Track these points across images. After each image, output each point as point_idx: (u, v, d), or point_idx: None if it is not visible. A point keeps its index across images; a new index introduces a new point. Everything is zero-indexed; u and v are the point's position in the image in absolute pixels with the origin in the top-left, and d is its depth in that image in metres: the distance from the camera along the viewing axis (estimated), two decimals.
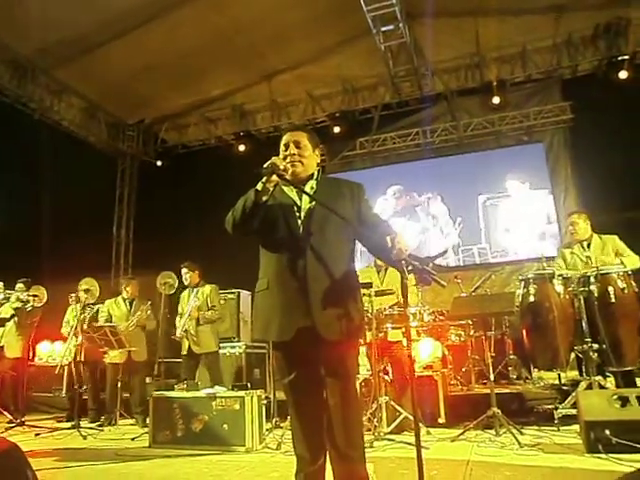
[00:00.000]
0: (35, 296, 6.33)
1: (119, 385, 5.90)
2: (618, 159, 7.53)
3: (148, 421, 4.76)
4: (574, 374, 5.08)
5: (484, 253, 9.34)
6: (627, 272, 4.36)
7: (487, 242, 9.36)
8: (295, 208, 2.39)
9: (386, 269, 4.95)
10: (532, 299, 4.53)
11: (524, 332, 4.65)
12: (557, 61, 8.87)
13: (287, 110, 10.34)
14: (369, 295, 4.45)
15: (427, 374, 4.85)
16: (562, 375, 5.14)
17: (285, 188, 2.45)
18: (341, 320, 2.29)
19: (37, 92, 8.77)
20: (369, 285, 4.48)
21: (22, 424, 5.67)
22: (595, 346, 4.21)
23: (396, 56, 8.40)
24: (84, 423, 5.66)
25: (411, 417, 4.10)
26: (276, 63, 9.11)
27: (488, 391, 4.25)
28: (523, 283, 4.64)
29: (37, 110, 8.91)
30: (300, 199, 2.41)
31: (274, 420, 4.78)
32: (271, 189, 2.30)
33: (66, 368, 6.68)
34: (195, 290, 5.85)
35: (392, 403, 4.40)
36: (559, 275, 4.50)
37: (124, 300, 6.33)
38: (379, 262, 4.96)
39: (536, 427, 4.30)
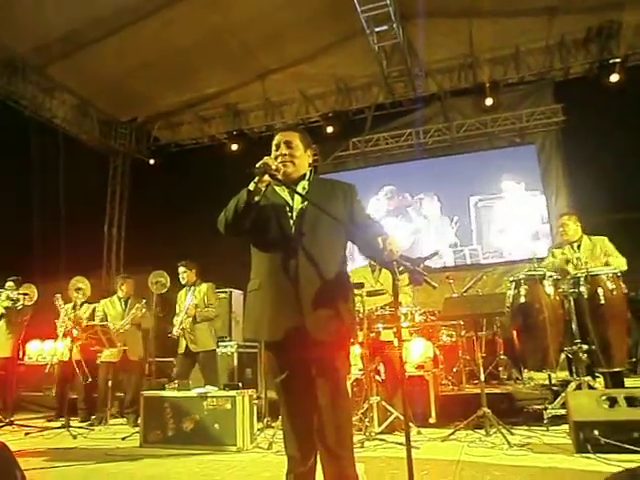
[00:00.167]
0: (25, 294, 6.29)
1: (110, 384, 5.86)
2: (609, 161, 7.59)
3: (139, 420, 4.74)
4: (564, 375, 5.12)
5: (475, 254, 9.38)
6: (616, 274, 4.40)
7: (479, 243, 9.41)
8: (287, 208, 2.40)
9: (381, 269, 4.96)
10: (523, 300, 4.56)
11: (515, 333, 4.68)
12: (550, 63, 8.92)
13: (280, 109, 10.33)
14: (361, 295, 4.45)
15: (418, 374, 4.86)
16: (552, 375, 5.17)
17: (277, 188, 2.45)
18: (332, 320, 2.29)
19: (29, 89, 8.71)
20: (361, 285, 4.49)
21: (11, 423, 5.63)
22: (585, 347, 4.24)
23: (390, 56, 8.42)
24: (74, 422, 5.63)
25: (402, 417, 4.11)
26: (270, 62, 9.10)
27: (479, 391, 4.27)
28: (514, 284, 4.67)
29: (28, 107, 8.85)
30: (292, 199, 2.42)
31: (265, 420, 4.78)
32: (263, 189, 2.30)
33: (56, 367, 6.64)
34: (192, 289, 5.83)
35: (383, 403, 4.41)
36: (549, 276, 4.53)
37: (119, 299, 6.30)
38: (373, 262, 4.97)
39: (526, 427, 4.32)
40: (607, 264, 4.62)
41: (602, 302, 4.30)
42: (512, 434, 4.00)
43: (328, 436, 2.27)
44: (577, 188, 8.68)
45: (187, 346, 5.60)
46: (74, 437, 5.00)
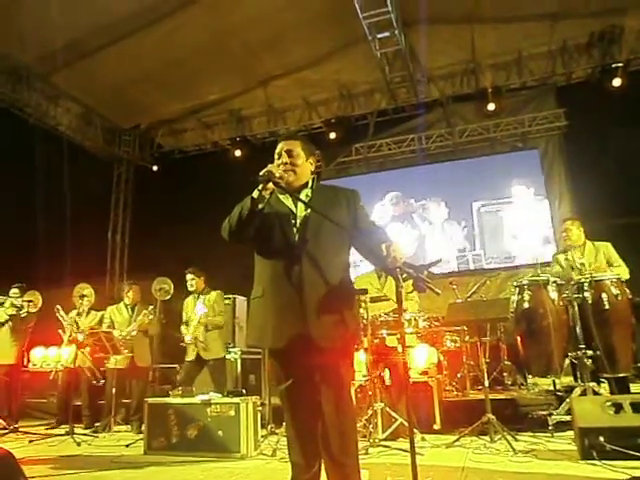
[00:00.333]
0: (30, 301, 6.30)
1: (114, 391, 5.86)
2: (612, 165, 7.58)
3: (143, 427, 4.74)
4: (568, 380, 5.10)
5: (478, 259, 9.37)
6: (620, 279, 4.39)
7: (482, 248, 9.39)
8: (291, 216, 2.41)
9: (387, 275, 4.95)
10: (527, 305, 4.55)
11: (519, 338, 4.67)
12: (552, 68, 8.93)
13: (283, 116, 10.36)
14: (364, 302, 4.45)
15: (422, 380, 4.85)
16: (556, 381, 5.15)
17: (281, 196, 2.46)
18: (336, 327, 2.30)
19: (33, 97, 8.76)
20: (364, 292, 4.49)
21: (15, 430, 5.65)
22: (589, 352, 4.23)
23: (392, 63, 8.45)
24: (78, 429, 5.63)
25: (406, 423, 4.10)
26: (272, 69, 9.14)
27: (483, 397, 4.26)
28: (518, 289, 4.66)
29: (33, 115, 8.90)
30: (296, 207, 2.43)
31: (269, 426, 4.76)
32: (267, 197, 2.31)
33: (60, 374, 6.65)
34: (201, 296, 5.83)
35: (387, 409, 4.40)
36: (553, 282, 4.52)
37: (126, 306, 6.29)
38: None
39: (530, 433, 4.31)
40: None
41: (606, 307, 4.28)
42: (517, 440, 3.98)
43: (332, 443, 2.27)
44: (580, 193, 8.67)
45: (198, 354, 5.59)
46: (78, 444, 5.00)
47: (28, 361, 7.65)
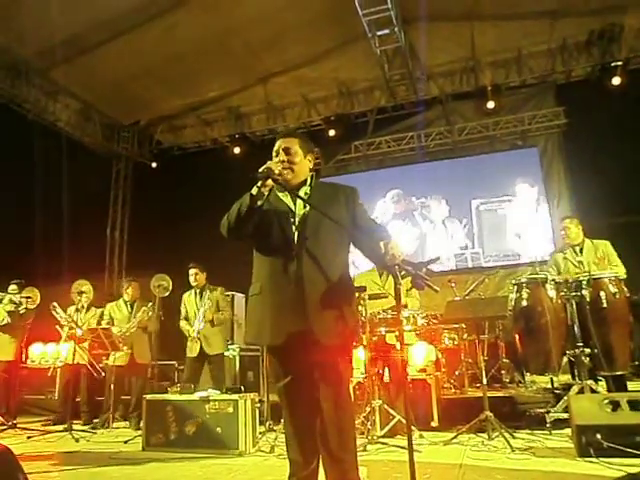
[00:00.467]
0: (28, 298, 6.29)
1: (112, 387, 5.86)
2: (611, 164, 7.59)
3: (141, 424, 4.75)
4: (566, 378, 5.11)
5: (477, 257, 9.37)
6: (619, 277, 4.39)
7: (480, 247, 9.40)
8: (290, 214, 2.41)
9: (388, 273, 4.95)
10: (525, 303, 4.55)
11: (517, 336, 4.67)
12: (551, 66, 8.93)
13: (283, 113, 10.35)
14: (363, 299, 4.45)
15: (421, 377, 4.86)
16: (554, 379, 5.16)
17: (280, 193, 2.46)
18: (336, 324, 2.30)
19: (32, 93, 8.74)
20: (363, 289, 4.49)
21: (14, 427, 5.65)
22: (587, 350, 4.23)
23: (391, 60, 8.44)
24: (77, 426, 5.64)
25: (404, 420, 4.11)
26: (272, 66, 9.13)
27: (481, 395, 4.27)
28: (516, 287, 4.67)
29: (32, 111, 8.88)
30: (294, 204, 2.43)
31: (267, 423, 4.77)
32: (266, 194, 2.31)
33: (59, 370, 6.65)
34: (202, 292, 5.84)
35: (385, 406, 4.41)
36: (552, 280, 4.52)
37: (125, 303, 6.30)
38: None
39: (528, 431, 4.32)
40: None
41: (604, 305, 4.29)
42: (514, 438, 4.00)
43: (331, 440, 2.28)
44: (579, 191, 8.68)
45: (202, 349, 5.60)
46: (77, 440, 5.00)
47: (26, 357, 7.65)
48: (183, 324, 5.81)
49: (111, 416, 5.82)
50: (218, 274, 6.31)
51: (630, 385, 4.78)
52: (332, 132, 9.52)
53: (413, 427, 4.10)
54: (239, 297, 7.55)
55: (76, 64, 8.42)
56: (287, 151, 2.45)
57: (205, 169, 10.09)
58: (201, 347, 5.61)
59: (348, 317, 2.35)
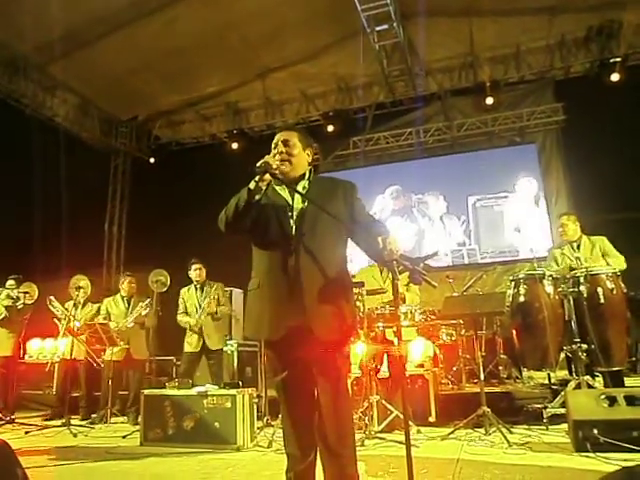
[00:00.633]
0: (26, 293, 6.29)
1: (110, 383, 5.86)
2: (609, 160, 7.59)
3: (139, 419, 4.75)
4: (563, 374, 5.13)
5: (473, 254, 9.38)
6: (616, 273, 4.40)
7: (476, 243, 9.41)
8: (287, 208, 2.40)
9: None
10: (522, 299, 4.56)
11: (514, 332, 4.68)
12: (550, 62, 8.92)
13: (281, 108, 10.34)
14: (361, 294, 4.46)
15: (418, 373, 4.87)
16: (551, 375, 5.18)
17: (278, 188, 2.46)
18: (334, 319, 2.30)
19: (30, 88, 8.72)
20: (361, 284, 4.49)
21: (12, 422, 5.65)
22: (584, 346, 4.24)
23: (390, 55, 8.43)
24: (75, 421, 5.64)
25: (402, 416, 4.12)
26: (270, 61, 9.11)
27: (478, 390, 4.28)
28: (514, 283, 4.67)
29: (30, 106, 8.85)
30: (292, 199, 2.42)
31: (265, 418, 4.78)
32: (264, 188, 2.30)
33: (57, 365, 6.65)
34: (203, 288, 5.87)
35: (383, 402, 4.42)
36: (549, 275, 4.53)
37: (122, 298, 6.31)
38: None
39: (525, 426, 4.33)
40: (608, 264, 4.63)
41: (602, 301, 4.30)
42: (511, 433, 4.01)
43: (329, 434, 2.28)
44: (577, 187, 8.68)
45: (204, 343, 5.62)
46: (75, 435, 5.01)
47: (24, 353, 7.65)
48: (181, 317, 5.82)
49: (109, 411, 5.82)
50: (216, 269, 6.32)
51: (627, 381, 4.81)
52: (331, 128, 9.51)
53: (411, 422, 4.11)
54: (237, 293, 7.56)
55: (74, 59, 8.39)
56: (286, 143, 2.45)
57: (203, 164, 10.08)
58: (203, 341, 5.62)
59: (346, 312, 2.35)
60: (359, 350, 4.63)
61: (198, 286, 5.90)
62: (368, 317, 4.61)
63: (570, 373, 4.83)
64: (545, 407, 4.26)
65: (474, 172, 9.49)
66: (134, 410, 5.71)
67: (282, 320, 2.29)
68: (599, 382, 4.54)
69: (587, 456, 3.23)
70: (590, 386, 4.15)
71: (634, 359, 5.89)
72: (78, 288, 6.20)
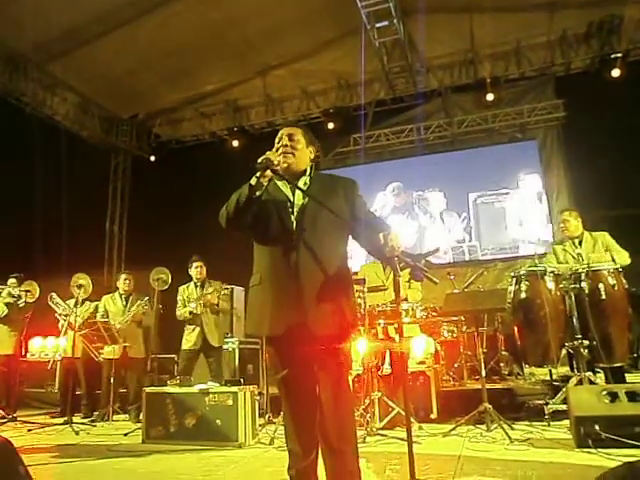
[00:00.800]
0: (27, 291, 6.30)
1: (112, 381, 5.87)
2: (610, 156, 7.57)
3: (141, 416, 4.76)
4: (565, 370, 5.12)
5: (474, 251, 9.38)
6: (617, 269, 4.39)
7: (477, 240, 9.40)
8: (288, 204, 2.40)
9: None
10: (524, 296, 4.55)
11: (516, 328, 4.68)
12: (551, 58, 8.90)
13: (281, 106, 10.32)
14: (362, 291, 4.46)
15: (420, 370, 4.87)
16: (553, 371, 5.18)
17: (279, 183, 2.45)
18: (334, 315, 2.30)
19: (30, 86, 8.71)
20: (362, 281, 4.50)
21: (14, 420, 5.66)
22: (585, 342, 4.24)
23: (390, 52, 8.41)
24: (77, 419, 5.65)
25: (403, 412, 4.12)
26: (270, 58, 9.09)
27: (480, 387, 4.28)
28: (515, 280, 4.67)
29: (30, 105, 8.85)
30: (293, 195, 2.42)
31: (267, 415, 4.79)
32: (265, 184, 2.30)
33: (58, 364, 6.66)
34: (203, 285, 5.88)
35: (385, 399, 4.42)
36: (550, 272, 4.53)
37: (120, 296, 6.31)
38: None
39: (527, 422, 4.34)
40: (613, 259, 4.62)
41: (603, 297, 4.29)
42: (513, 429, 4.01)
43: (330, 431, 2.28)
44: (578, 183, 8.67)
45: (203, 340, 5.62)
46: (77, 433, 5.01)
47: (26, 351, 7.66)
48: (181, 311, 5.81)
49: (111, 409, 5.83)
50: (218, 267, 6.32)
51: (628, 377, 4.80)
52: (331, 125, 9.50)
53: (412, 419, 4.12)
54: (238, 290, 7.56)
55: (74, 57, 8.40)
56: (291, 137, 2.46)
57: (204, 162, 10.08)
58: (203, 338, 5.63)
59: (346, 309, 2.35)
60: (361, 347, 4.64)
61: (198, 284, 5.90)
62: (369, 314, 4.61)
63: (572, 369, 4.83)
64: (547, 403, 4.27)
65: (475, 169, 9.47)
66: (135, 408, 5.72)
67: (283, 316, 2.29)
68: (600, 378, 4.54)
69: (589, 452, 3.22)
70: (592, 382, 4.15)
71: (635, 355, 5.87)
72: (79, 286, 6.20)
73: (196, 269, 5.89)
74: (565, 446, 3.46)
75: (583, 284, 4.36)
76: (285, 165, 2.39)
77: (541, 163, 9.31)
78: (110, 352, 5.96)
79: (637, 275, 4.76)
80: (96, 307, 6.35)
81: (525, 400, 4.96)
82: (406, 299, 5.08)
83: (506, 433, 3.78)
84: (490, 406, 4.09)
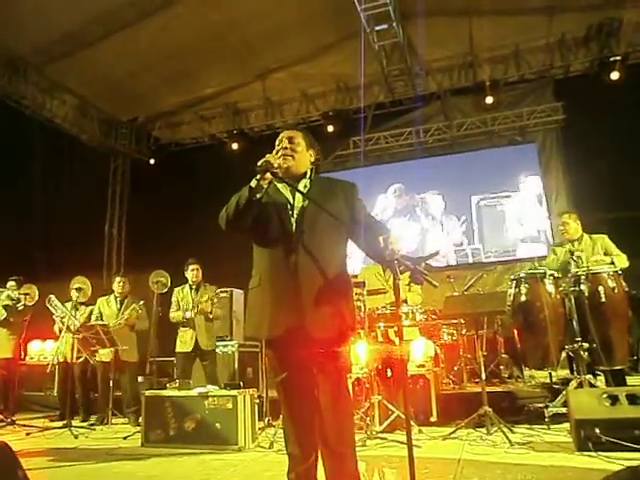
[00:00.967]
0: (26, 294, 6.30)
1: (109, 383, 5.84)
2: (609, 159, 7.58)
3: (140, 420, 4.75)
4: (565, 373, 5.12)
5: (477, 253, 9.37)
6: (617, 272, 4.40)
7: (480, 242, 9.40)
8: (288, 206, 2.40)
9: None
10: (524, 298, 4.56)
11: (515, 331, 4.68)
12: (550, 61, 8.91)
13: (281, 109, 10.33)
14: (361, 294, 4.45)
15: (420, 373, 4.87)
16: (553, 374, 5.17)
17: (279, 186, 2.46)
18: (333, 318, 2.29)
19: (29, 89, 8.70)
20: (362, 284, 4.49)
21: (13, 423, 5.65)
22: (585, 345, 4.24)
23: (390, 55, 8.42)
24: (76, 422, 5.63)
25: (403, 416, 4.11)
26: (270, 62, 9.10)
27: (480, 390, 4.27)
28: (515, 282, 4.67)
29: (29, 107, 8.84)
30: (293, 198, 2.42)
31: (266, 419, 4.78)
32: (265, 186, 2.30)
33: (57, 367, 6.64)
34: (198, 288, 5.86)
35: (384, 402, 4.42)
36: (550, 274, 4.53)
37: (115, 298, 6.28)
38: None
39: (527, 425, 4.33)
40: (612, 262, 4.62)
41: (603, 300, 4.30)
42: (513, 432, 4.00)
43: (329, 434, 2.28)
44: (577, 186, 8.67)
45: (197, 343, 5.61)
46: (75, 437, 5.00)
47: (25, 354, 7.64)
48: (174, 313, 5.81)
49: (109, 412, 5.81)
50: (217, 270, 6.31)
51: (629, 379, 4.79)
52: (331, 128, 9.50)
53: (412, 422, 4.11)
54: (238, 293, 7.55)
55: (74, 60, 8.39)
56: (291, 140, 2.47)
57: (203, 165, 10.08)
58: (196, 341, 5.62)
59: (345, 312, 2.35)
60: (360, 350, 4.63)
61: (194, 287, 5.88)
62: (369, 317, 4.60)
63: (572, 372, 4.83)
64: (547, 406, 4.26)
65: (475, 171, 9.47)
66: (133, 411, 5.70)
67: (282, 318, 2.29)
68: (601, 381, 4.54)
69: (589, 455, 3.22)
70: (592, 385, 4.15)
71: (636, 358, 5.85)
72: (78, 289, 6.19)
73: (192, 272, 5.87)
74: (565, 449, 3.46)
75: (583, 287, 4.36)
76: (285, 168, 2.39)
77: (540, 166, 9.31)
78: (104, 355, 5.94)
79: (637, 278, 4.76)
80: (91, 311, 6.32)
81: (525, 403, 4.95)
82: (406, 302, 5.07)
83: (506, 436, 3.77)
84: (490, 409, 4.08)
